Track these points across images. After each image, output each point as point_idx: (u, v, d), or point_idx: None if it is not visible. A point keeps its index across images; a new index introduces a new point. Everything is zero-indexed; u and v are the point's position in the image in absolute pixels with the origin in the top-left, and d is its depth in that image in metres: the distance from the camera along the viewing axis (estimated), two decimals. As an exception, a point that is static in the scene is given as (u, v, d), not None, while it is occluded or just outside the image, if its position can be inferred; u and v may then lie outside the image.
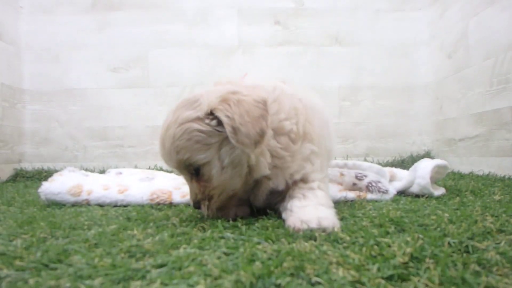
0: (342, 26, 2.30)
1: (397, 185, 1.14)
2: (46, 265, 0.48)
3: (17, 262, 0.49)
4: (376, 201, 1.01)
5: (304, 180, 0.76)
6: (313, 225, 0.61)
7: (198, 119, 0.68)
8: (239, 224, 0.69)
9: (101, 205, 1.03)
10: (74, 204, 1.04)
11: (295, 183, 0.77)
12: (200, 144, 0.68)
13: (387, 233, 0.62)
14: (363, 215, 0.78)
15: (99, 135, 2.25)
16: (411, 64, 2.31)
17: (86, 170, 1.96)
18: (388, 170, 1.19)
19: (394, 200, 1.03)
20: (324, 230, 0.60)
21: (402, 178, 1.19)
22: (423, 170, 1.07)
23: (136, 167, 2.15)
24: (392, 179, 1.20)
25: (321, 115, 0.86)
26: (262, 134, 0.66)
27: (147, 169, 1.97)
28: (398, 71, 2.31)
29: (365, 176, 1.07)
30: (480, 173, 1.78)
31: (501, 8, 1.67)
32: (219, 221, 0.73)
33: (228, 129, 0.65)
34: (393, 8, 2.31)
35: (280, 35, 2.30)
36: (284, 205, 0.74)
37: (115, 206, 1.03)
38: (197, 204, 0.75)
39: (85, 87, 2.25)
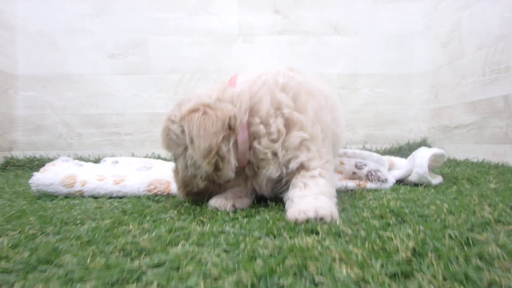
0: (341, 16, 2.29)
1: (396, 174, 1.13)
2: (34, 267, 0.45)
3: (3, 263, 0.46)
4: (376, 190, 1.01)
5: (305, 168, 0.77)
6: (310, 213, 0.62)
7: (174, 122, 0.79)
8: (239, 217, 0.68)
9: (95, 197, 1.00)
10: (67, 196, 1.00)
11: (295, 171, 0.77)
12: (173, 142, 0.80)
13: (388, 225, 0.61)
14: (364, 205, 0.78)
15: (95, 122, 2.20)
16: (407, 54, 2.33)
17: (81, 158, 1.93)
18: (387, 158, 1.18)
19: (393, 189, 1.02)
20: (322, 219, 0.62)
21: (401, 166, 1.18)
22: (421, 159, 1.06)
23: (133, 155, 2.12)
24: (391, 167, 1.19)
25: (322, 100, 0.84)
26: (210, 150, 0.71)
27: (144, 157, 1.94)
28: (395, 60, 2.32)
29: (365, 165, 1.06)
30: (475, 160, 1.80)
31: (493, 1, 1.69)
32: (219, 213, 0.72)
33: (187, 138, 0.74)
34: (389, 0, 2.32)
35: (280, 24, 2.28)
36: (287, 194, 0.75)
37: (110, 197, 1.00)
38: None
39: (81, 73, 2.18)
